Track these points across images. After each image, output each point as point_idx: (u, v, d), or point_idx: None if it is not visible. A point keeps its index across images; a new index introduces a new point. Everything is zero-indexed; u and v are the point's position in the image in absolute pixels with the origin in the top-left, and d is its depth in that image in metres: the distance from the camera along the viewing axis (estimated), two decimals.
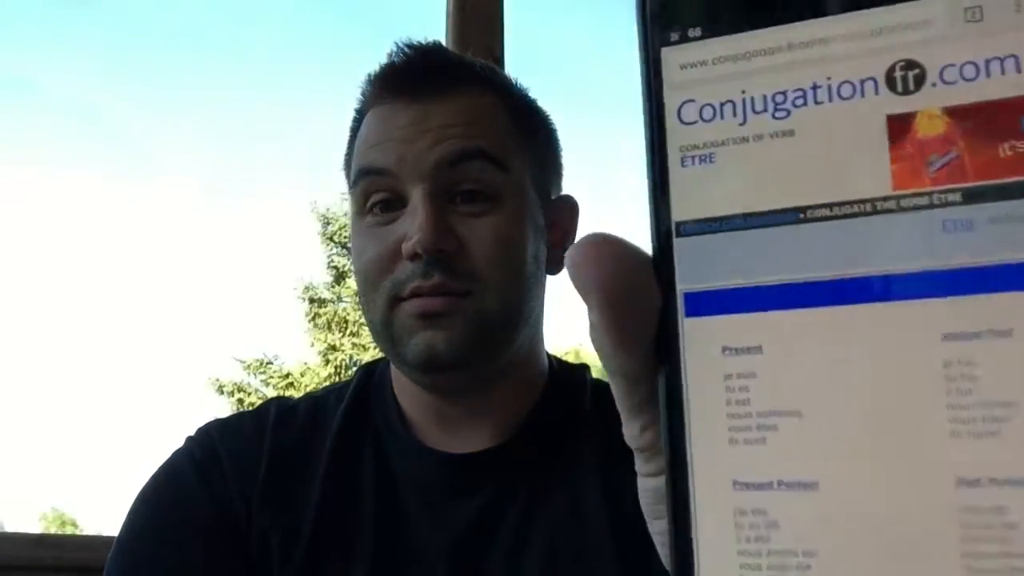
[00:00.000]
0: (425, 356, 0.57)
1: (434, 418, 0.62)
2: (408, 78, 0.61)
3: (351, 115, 0.66)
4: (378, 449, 0.63)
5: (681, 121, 0.20)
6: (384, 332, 0.59)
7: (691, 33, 0.20)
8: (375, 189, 0.60)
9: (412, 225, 0.57)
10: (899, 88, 0.18)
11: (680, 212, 0.20)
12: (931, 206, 0.18)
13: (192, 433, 0.65)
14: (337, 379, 11.63)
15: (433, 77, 0.61)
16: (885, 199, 0.18)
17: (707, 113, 0.20)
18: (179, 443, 0.65)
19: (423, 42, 0.65)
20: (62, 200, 21.48)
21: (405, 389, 0.64)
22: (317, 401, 0.68)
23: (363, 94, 0.65)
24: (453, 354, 0.56)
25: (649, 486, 0.22)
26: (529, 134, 0.63)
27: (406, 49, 0.64)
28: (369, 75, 0.65)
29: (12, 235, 20.52)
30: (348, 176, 0.66)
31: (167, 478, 0.62)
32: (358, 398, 0.66)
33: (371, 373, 0.69)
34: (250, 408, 0.70)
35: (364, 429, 0.64)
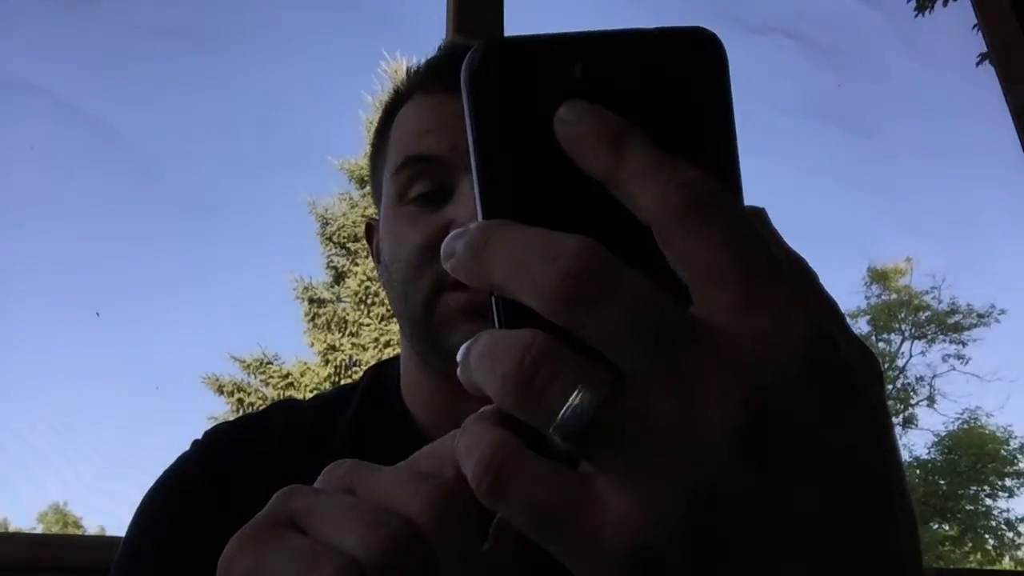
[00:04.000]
0: None
1: (445, 420, 0.62)
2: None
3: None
4: (388, 451, 0.62)
5: None
6: (424, 322, 0.59)
7: None
8: (421, 176, 0.60)
9: (462, 212, 0.56)
10: None
11: None
12: None
13: (200, 436, 0.65)
14: (337, 379, 11.66)
15: None
16: None
17: None
18: (181, 444, 0.64)
19: (473, 41, 0.67)
20: (61, 198, 21.49)
21: (417, 388, 0.64)
22: (326, 402, 0.67)
23: (398, 86, 0.66)
24: None
25: None
26: None
27: (457, 45, 0.66)
28: (411, 66, 0.66)
29: (11, 232, 20.53)
30: (376, 165, 0.67)
31: (174, 480, 0.62)
32: (367, 400, 0.66)
33: (379, 375, 0.69)
34: (251, 408, 0.70)
35: (373, 431, 0.63)
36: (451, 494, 0.24)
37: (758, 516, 0.20)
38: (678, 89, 0.24)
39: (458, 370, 0.23)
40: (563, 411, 0.20)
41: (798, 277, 0.24)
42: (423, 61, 0.66)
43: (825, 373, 0.21)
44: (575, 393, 0.20)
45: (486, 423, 0.23)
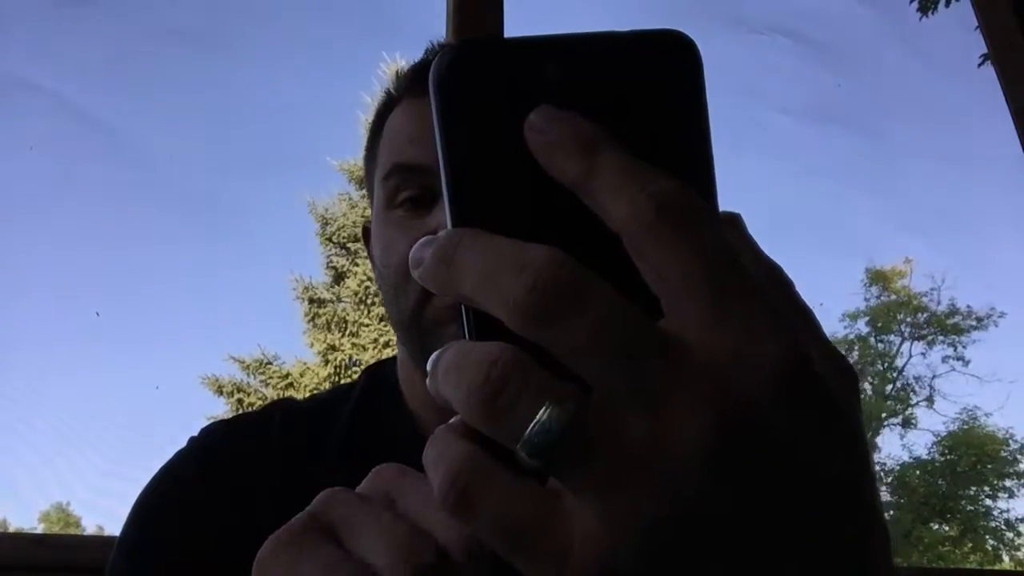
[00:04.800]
0: None
1: (444, 419, 0.62)
2: None
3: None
4: (387, 448, 0.62)
5: None
6: (414, 324, 0.59)
7: None
8: (409, 185, 0.60)
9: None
10: None
11: None
12: None
13: (195, 434, 0.65)
14: (337, 379, 11.66)
15: None
16: None
17: None
18: (181, 444, 0.64)
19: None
20: (61, 198, 21.49)
21: (416, 389, 0.64)
22: (324, 402, 0.68)
23: (389, 88, 0.67)
24: None
25: None
26: None
27: (447, 46, 0.65)
28: (399, 69, 0.67)
29: (11, 232, 20.52)
30: (370, 166, 0.67)
31: (169, 478, 0.62)
32: (365, 398, 0.66)
33: (377, 373, 0.69)
34: (251, 408, 0.70)
35: (372, 429, 0.64)
36: None
37: (727, 534, 0.20)
38: (652, 94, 0.23)
39: (427, 380, 0.23)
40: (530, 427, 0.20)
41: (773, 288, 0.24)
42: (412, 64, 0.67)
43: (797, 389, 0.21)
44: (542, 409, 0.20)
45: (453, 434, 0.22)
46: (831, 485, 0.21)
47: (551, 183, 0.22)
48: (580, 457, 0.20)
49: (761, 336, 0.20)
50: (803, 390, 0.21)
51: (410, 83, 0.65)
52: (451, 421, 0.23)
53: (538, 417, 0.20)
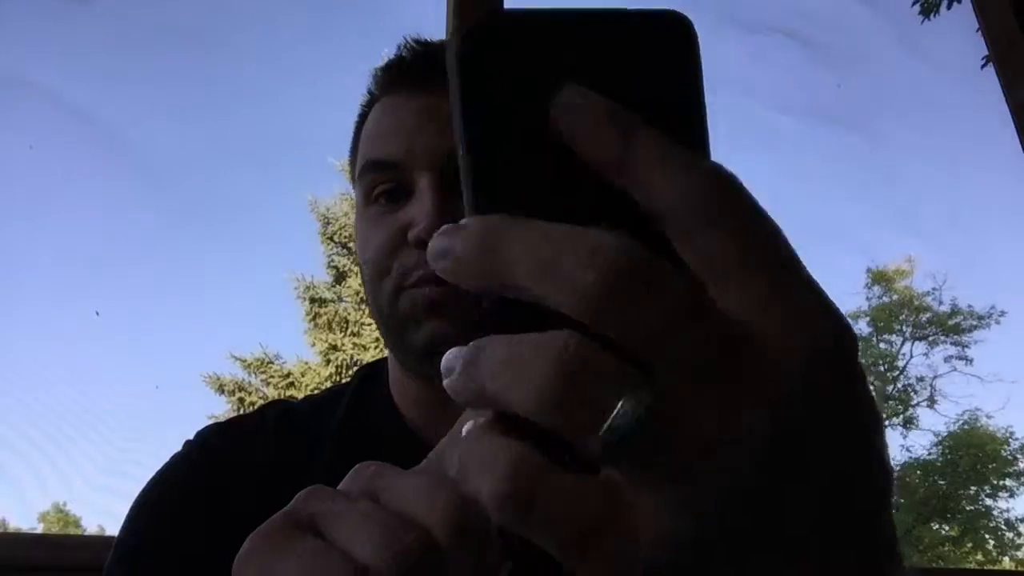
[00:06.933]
0: (429, 341, 0.57)
1: (433, 416, 0.62)
2: (417, 70, 0.63)
3: (352, 113, 0.68)
4: (377, 447, 0.63)
5: None
6: (390, 319, 0.60)
7: None
8: (381, 180, 0.61)
9: (419, 212, 0.58)
10: None
11: None
12: None
13: (191, 436, 0.65)
14: (338, 379, 11.66)
15: (442, 69, 0.62)
16: None
17: None
18: (178, 446, 0.64)
19: (430, 39, 0.67)
20: (61, 198, 21.49)
21: (403, 387, 0.65)
22: (317, 402, 0.68)
23: (370, 87, 0.67)
24: (461, 341, 0.56)
25: None
26: None
27: (414, 44, 0.66)
28: (376, 68, 0.67)
29: (11, 232, 20.52)
30: (354, 166, 0.68)
31: (166, 480, 0.62)
32: (357, 398, 0.66)
33: (370, 374, 0.69)
34: (250, 408, 0.70)
35: (364, 429, 0.64)
36: (469, 508, 0.22)
37: (784, 519, 0.20)
38: (658, 73, 0.23)
39: (449, 380, 0.22)
40: (611, 417, 0.19)
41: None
42: (383, 63, 0.67)
43: (846, 367, 0.21)
44: (621, 399, 0.19)
45: (497, 434, 0.21)
46: (878, 466, 0.21)
47: (575, 165, 0.21)
48: (652, 448, 0.19)
49: (813, 318, 0.20)
50: (852, 367, 0.21)
51: (383, 82, 0.66)
52: (479, 421, 0.22)
53: (619, 407, 0.19)
